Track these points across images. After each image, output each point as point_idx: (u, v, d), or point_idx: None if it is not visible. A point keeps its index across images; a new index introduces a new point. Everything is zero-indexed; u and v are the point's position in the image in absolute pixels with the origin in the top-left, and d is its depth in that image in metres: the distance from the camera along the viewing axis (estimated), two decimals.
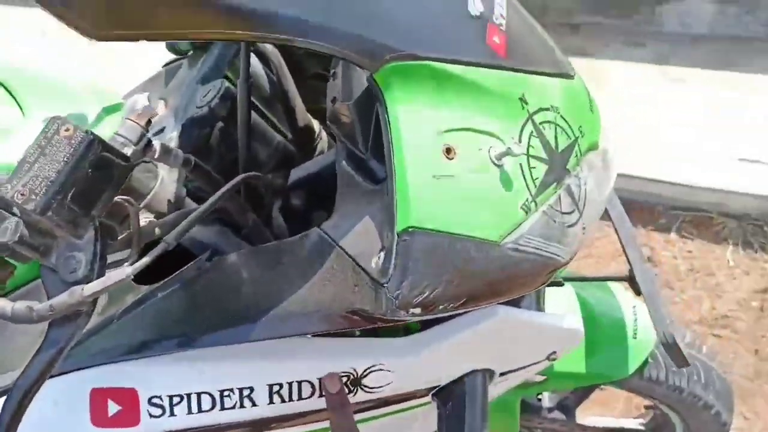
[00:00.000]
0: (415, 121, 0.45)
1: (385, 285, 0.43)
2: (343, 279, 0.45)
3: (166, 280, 0.49)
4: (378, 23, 0.43)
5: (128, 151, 0.44)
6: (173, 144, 0.58)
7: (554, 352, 0.64)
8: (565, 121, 0.52)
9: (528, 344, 0.63)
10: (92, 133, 0.41)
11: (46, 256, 0.42)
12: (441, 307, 0.44)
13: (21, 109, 0.68)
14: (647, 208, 1.87)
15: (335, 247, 0.45)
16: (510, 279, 0.47)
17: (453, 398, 0.58)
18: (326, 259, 0.45)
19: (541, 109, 0.50)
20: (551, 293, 0.75)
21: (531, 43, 0.54)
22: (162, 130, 0.61)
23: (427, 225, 0.43)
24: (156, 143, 0.48)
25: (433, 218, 0.44)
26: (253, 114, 0.61)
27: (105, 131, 0.51)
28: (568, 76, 0.55)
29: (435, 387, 0.59)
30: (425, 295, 0.43)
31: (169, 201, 0.52)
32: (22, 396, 0.42)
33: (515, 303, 0.60)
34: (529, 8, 0.58)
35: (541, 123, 0.50)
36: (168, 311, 0.48)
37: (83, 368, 0.49)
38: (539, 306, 0.65)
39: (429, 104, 0.45)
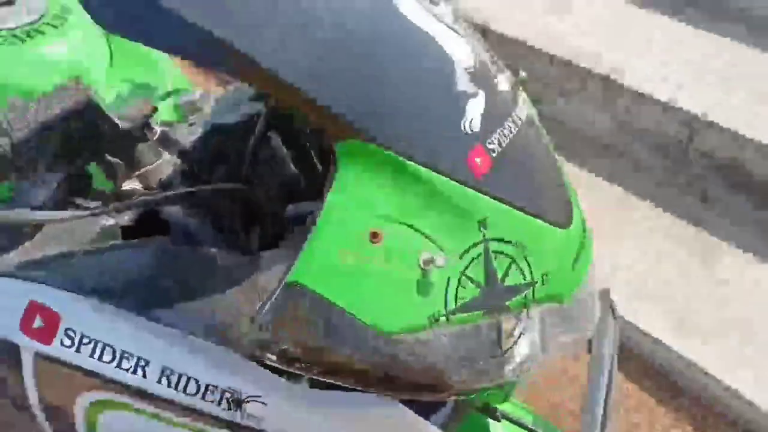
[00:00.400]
0: (355, 192, 0.46)
1: (259, 321, 0.46)
2: (242, 301, 0.48)
3: (133, 241, 0.54)
4: (367, 105, 0.46)
5: (126, 125, 0.55)
6: (193, 134, 0.63)
7: None
8: (527, 262, 0.51)
9: None
10: (95, 98, 0.54)
11: (20, 179, 0.53)
12: (303, 366, 0.47)
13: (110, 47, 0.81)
14: None
15: (251, 272, 0.49)
16: (386, 370, 0.47)
17: None
18: (243, 278, 0.49)
19: (500, 240, 0.50)
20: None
21: (526, 180, 0.53)
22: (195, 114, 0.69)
23: (315, 287, 0.45)
24: (157, 129, 0.58)
25: (326, 285, 0.45)
26: (276, 141, 0.62)
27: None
28: (559, 224, 0.53)
29: None
30: (285, 347, 0.46)
31: (160, 179, 0.60)
32: None
33: (429, 412, 0.57)
34: None
35: (494, 252, 0.49)
36: (116, 267, 0.53)
37: (35, 281, 0.55)
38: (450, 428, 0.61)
39: (377, 185, 0.46)
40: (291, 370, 0.47)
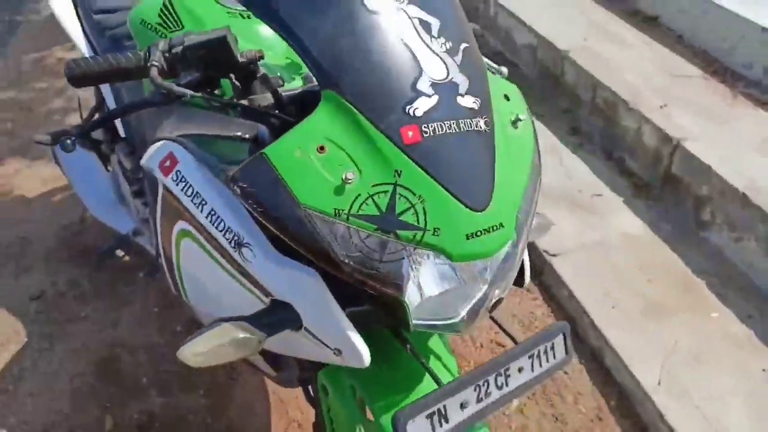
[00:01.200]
0: (322, 120, 0.73)
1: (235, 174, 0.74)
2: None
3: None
4: (345, 74, 0.73)
5: (244, 60, 0.80)
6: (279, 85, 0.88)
7: (339, 351, 0.80)
8: (424, 213, 0.71)
9: (321, 327, 0.79)
10: (227, 38, 0.76)
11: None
12: (259, 213, 0.74)
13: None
14: None
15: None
16: (292, 231, 0.72)
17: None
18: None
19: (408, 190, 0.71)
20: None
21: (448, 164, 0.73)
22: None
23: (274, 162, 0.72)
24: (262, 70, 0.83)
25: (281, 164, 0.71)
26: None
27: None
28: (465, 203, 0.73)
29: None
30: (249, 195, 0.74)
31: (259, 105, 0.82)
32: (114, 113, 0.95)
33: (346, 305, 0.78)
34: None
35: (400, 195, 0.71)
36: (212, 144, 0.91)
37: (175, 141, 0.91)
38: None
39: (336, 121, 0.73)
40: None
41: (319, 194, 0.71)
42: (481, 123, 0.77)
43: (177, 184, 0.87)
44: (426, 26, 0.77)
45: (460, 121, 0.75)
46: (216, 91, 0.84)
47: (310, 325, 0.80)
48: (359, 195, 0.71)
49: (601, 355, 1.70)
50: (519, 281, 0.93)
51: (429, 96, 0.74)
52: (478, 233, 0.74)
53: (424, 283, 0.74)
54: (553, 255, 1.92)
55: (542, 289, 1.94)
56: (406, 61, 0.74)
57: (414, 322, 0.77)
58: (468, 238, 0.73)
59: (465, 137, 0.75)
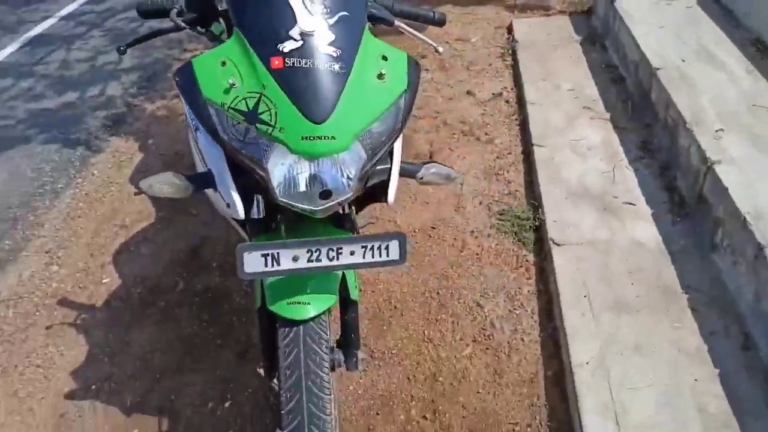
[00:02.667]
0: (230, 45, 1.17)
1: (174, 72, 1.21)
2: None
3: None
4: (246, 19, 1.17)
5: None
6: None
7: (228, 204, 1.22)
8: (276, 117, 1.10)
9: (221, 187, 1.23)
10: None
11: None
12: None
13: None
14: None
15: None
16: (198, 112, 1.16)
17: None
18: None
19: (268, 99, 1.10)
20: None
21: (300, 87, 1.10)
22: None
23: (195, 67, 1.16)
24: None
25: (198, 69, 1.15)
26: None
27: None
28: (305, 115, 1.09)
29: None
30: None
31: None
32: (148, 35, 1.45)
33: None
34: None
35: (262, 102, 1.11)
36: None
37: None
38: None
39: (236, 47, 1.16)
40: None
41: (214, 91, 1.13)
42: (336, 66, 1.13)
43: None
44: None
45: (315, 60, 1.12)
46: (212, 28, 1.36)
47: (218, 186, 1.24)
48: (237, 96, 1.11)
49: (556, 333, 1.88)
50: (383, 199, 1.29)
51: (296, 40, 1.13)
52: (311, 138, 1.10)
53: (275, 166, 1.13)
54: (558, 244, 2.11)
55: (538, 271, 2.14)
56: (287, 15, 1.14)
57: (279, 198, 1.14)
58: (303, 139, 1.10)
59: (318, 73, 1.11)
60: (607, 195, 2.31)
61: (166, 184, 1.26)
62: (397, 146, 1.31)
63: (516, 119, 3.00)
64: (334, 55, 1.14)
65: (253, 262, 1.17)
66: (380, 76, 1.19)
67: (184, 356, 1.99)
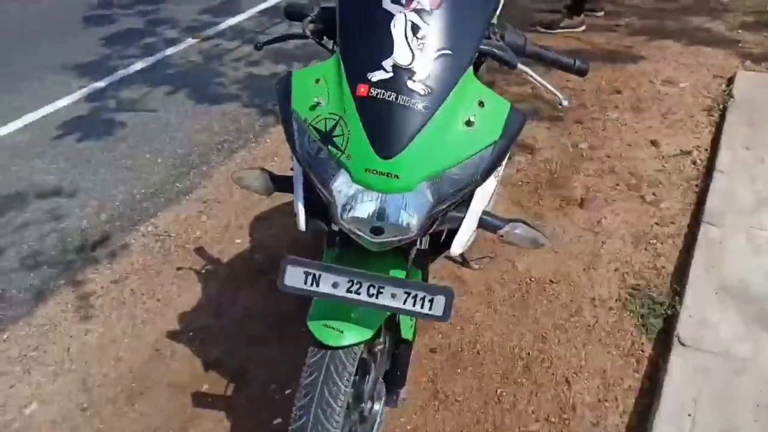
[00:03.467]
0: (329, 65, 1.18)
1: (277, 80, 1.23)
2: None
3: None
4: (348, 45, 1.19)
5: None
6: None
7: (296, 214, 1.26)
8: (347, 143, 1.10)
9: (295, 198, 1.27)
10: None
11: None
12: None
13: None
14: None
15: None
16: (284, 121, 1.18)
17: None
18: None
19: (345, 124, 1.11)
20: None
21: (378, 121, 1.09)
22: None
23: (293, 79, 1.19)
24: None
25: (295, 82, 1.19)
26: None
27: None
28: (376, 150, 1.09)
29: None
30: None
31: None
32: (278, 38, 1.47)
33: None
34: None
35: (339, 125, 1.12)
36: None
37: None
38: None
39: (334, 68, 1.17)
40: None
41: (302, 105, 1.16)
42: (420, 105, 1.09)
43: None
44: (414, 29, 1.13)
45: (401, 96, 1.09)
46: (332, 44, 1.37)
47: (294, 193, 1.27)
48: (320, 115, 1.13)
49: None
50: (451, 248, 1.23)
51: (387, 71, 1.11)
52: (375, 171, 1.09)
53: (340, 190, 1.11)
54: (683, 344, 1.81)
55: (651, 367, 1.85)
56: (385, 45, 1.12)
57: (340, 220, 1.13)
58: (366, 171, 1.09)
59: (398, 107, 1.09)
60: None
61: (254, 179, 1.33)
62: (480, 196, 1.22)
63: (697, 186, 2.61)
64: (422, 92, 1.10)
65: (294, 276, 1.18)
66: (469, 122, 1.12)
67: (273, 330, 2.10)
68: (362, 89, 1.11)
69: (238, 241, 2.55)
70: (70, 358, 2.07)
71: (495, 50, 1.23)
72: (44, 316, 2.26)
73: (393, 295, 1.16)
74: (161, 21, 5.04)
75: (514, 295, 2.15)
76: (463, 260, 2.26)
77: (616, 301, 2.09)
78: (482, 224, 1.25)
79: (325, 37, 1.37)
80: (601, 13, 4.44)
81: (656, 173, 2.72)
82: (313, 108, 1.14)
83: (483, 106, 1.14)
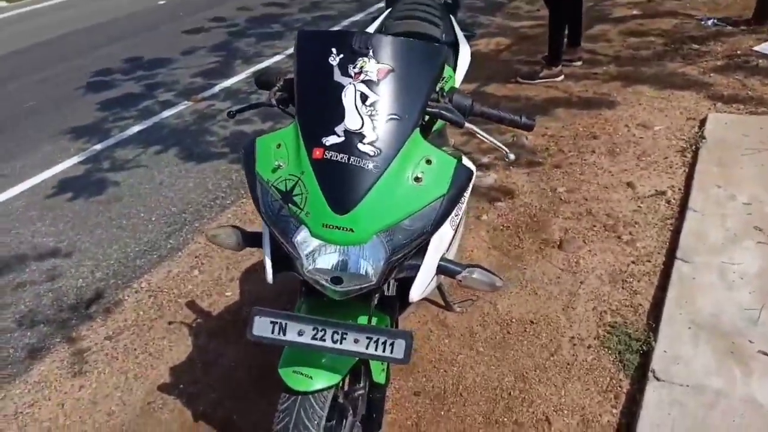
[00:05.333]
0: (288, 131, 1.30)
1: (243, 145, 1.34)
2: None
3: None
4: (305, 113, 1.30)
5: None
6: None
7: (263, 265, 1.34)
8: (306, 202, 1.20)
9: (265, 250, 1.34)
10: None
11: None
12: None
13: None
14: None
15: None
16: (250, 184, 1.28)
17: None
18: None
19: (303, 184, 1.21)
20: None
21: (331, 181, 1.19)
22: None
23: (257, 145, 1.30)
24: None
25: (259, 147, 1.30)
26: None
27: None
28: (331, 206, 1.18)
29: None
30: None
31: None
32: (250, 106, 1.54)
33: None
34: None
35: (298, 186, 1.21)
36: None
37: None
38: None
39: (293, 134, 1.28)
40: None
41: (265, 168, 1.26)
42: (370, 164, 1.20)
43: None
44: (363, 97, 1.23)
45: (353, 158, 1.20)
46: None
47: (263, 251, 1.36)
48: (280, 177, 1.24)
49: None
50: (410, 294, 1.29)
51: (339, 136, 1.21)
52: (331, 226, 1.18)
53: (302, 244, 1.22)
54: (657, 378, 1.85)
55: (628, 401, 1.89)
56: (336, 112, 1.23)
57: (304, 272, 1.23)
58: (324, 226, 1.19)
59: (351, 168, 1.20)
60: (741, 337, 1.96)
61: (226, 236, 1.43)
62: (436, 244, 1.31)
63: (671, 225, 2.69)
64: (371, 153, 1.20)
65: (262, 326, 1.25)
66: (417, 178, 1.21)
67: (259, 381, 2.15)
68: (317, 152, 1.21)
69: (229, 293, 2.63)
70: (64, 414, 2.12)
71: (443, 112, 1.34)
72: (39, 373, 2.31)
73: (356, 341, 1.23)
74: (158, 85, 5.26)
75: (496, 337, 2.21)
76: (446, 304, 2.33)
77: (594, 338, 2.14)
78: (441, 270, 1.34)
79: (290, 105, 1.49)
80: (579, 63, 4.63)
81: (632, 213, 2.81)
82: (274, 170, 1.25)
83: (430, 163, 1.24)
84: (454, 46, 2.31)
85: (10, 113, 5.04)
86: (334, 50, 1.28)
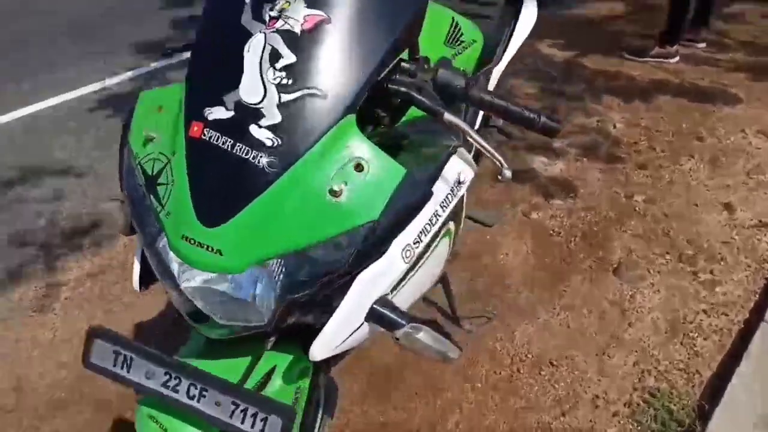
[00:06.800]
0: (174, 89, 0.92)
1: None
2: None
3: None
4: (197, 67, 0.91)
5: None
6: None
7: None
8: (169, 197, 0.85)
9: None
10: None
11: None
12: None
13: None
14: None
15: None
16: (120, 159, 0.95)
17: None
18: None
19: (171, 171, 0.85)
20: None
21: (207, 174, 0.82)
22: None
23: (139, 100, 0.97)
24: None
25: (139, 105, 0.95)
26: None
27: None
28: (197, 215, 0.81)
29: None
30: None
31: None
32: None
33: None
34: None
35: (166, 171, 0.86)
36: None
37: None
38: None
39: (179, 95, 0.89)
40: None
41: (137, 137, 0.92)
42: (263, 161, 0.80)
43: None
44: (274, 56, 0.82)
45: (239, 145, 0.81)
46: None
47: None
48: (150, 154, 0.89)
49: None
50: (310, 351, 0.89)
51: (227, 109, 0.82)
52: (191, 240, 0.82)
53: (168, 255, 0.86)
54: None
55: None
56: (231, 74, 0.83)
57: (171, 293, 0.88)
58: (182, 238, 0.82)
59: (236, 161, 0.81)
60: None
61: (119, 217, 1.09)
62: (361, 288, 0.88)
63: None
64: (269, 144, 0.81)
65: (103, 353, 0.93)
66: (334, 192, 0.81)
67: None
68: (195, 128, 0.83)
69: None
70: (16, 352, 1.94)
71: (412, 92, 0.90)
72: (8, 300, 2.16)
73: (217, 403, 0.88)
74: None
75: (502, 373, 1.78)
76: (454, 317, 1.92)
77: (624, 405, 1.67)
78: (375, 318, 0.92)
79: None
80: (703, 45, 3.86)
81: (721, 245, 2.22)
82: (145, 143, 0.89)
83: (361, 170, 0.82)
84: (514, 2, 1.82)
85: (90, 12, 4.98)
86: None
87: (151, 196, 0.86)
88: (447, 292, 1.84)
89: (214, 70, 0.87)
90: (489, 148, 0.91)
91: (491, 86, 1.90)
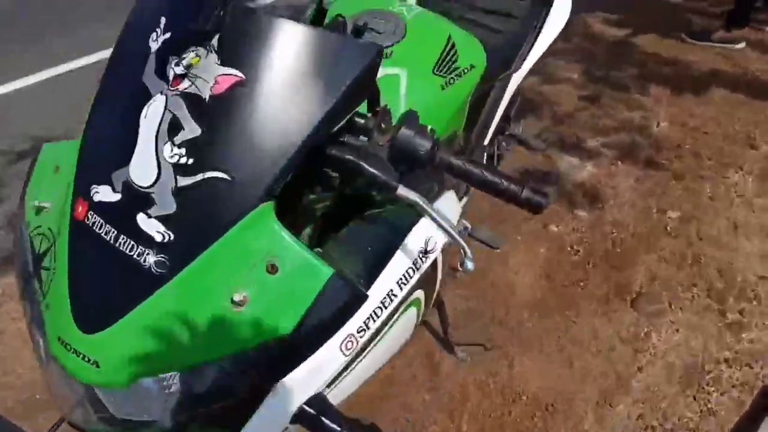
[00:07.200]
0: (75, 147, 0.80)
1: None
2: None
3: None
4: (91, 131, 0.78)
5: None
6: None
7: None
8: (49, 286, 0.73)
9: None
10: None
11: None
12: None
13: None
14: None
15: None
16: None
17: None
18: None
19: (54, 256, 0.73)
20: None
21: (87, 268, 0.70)
22: None
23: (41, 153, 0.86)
24: None
25: (39, 161, 0.85)
26: None
27: None
28: (74, 318, 0.69)
29: None
30: None
31: None
32: None
33: None
34: None
35: (52, 254, 0.73)
36: None
37: None
38: None
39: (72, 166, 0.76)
40: None
41: (30, 203, 0.81)
42: (150, 259, 0.67)
43: None
44: (174, 127, 0.68)
45: (122, 237, 0.68)
46: None
47: None
48: (40, 226, 0.77)
49: None
50: None
51: (114, 191, 0.69)
52: (69, 347, 0.70)
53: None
54: None
55: None
56: (123, 147, 0.69)
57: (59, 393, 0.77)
58: (59, 340, 0.71)
59: (118, 257, 0.68)
60: None
61: None
62: (285, 394, 0.76)
63: None
64: (158, 239, 0.67)
65: None
66: (236, 302, 0.67)
67: None
68: (80, 208, 0.71)
69: None
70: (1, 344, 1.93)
71: (361, 162, 0.73)
72: (1, 285, 2.14)
73: None
74: None
75: (491, 414, 1.66)
76: (447, 344, 1.80)
77: None
78: (303, 420, 0.78)
79: None
80: None
81: (756, 281, 2.00)
82: (38, 212, 0.78)
83: (276, 272, 0.68)
84: None
85: None
86: (163, 20, 0.71)
87: (35, 280, 0.75)
88: (442, 317, 1.72)
89: (108, 137, 0.73)
90: (452, 232, 0.76)
91: (507, 96, 1.70)
